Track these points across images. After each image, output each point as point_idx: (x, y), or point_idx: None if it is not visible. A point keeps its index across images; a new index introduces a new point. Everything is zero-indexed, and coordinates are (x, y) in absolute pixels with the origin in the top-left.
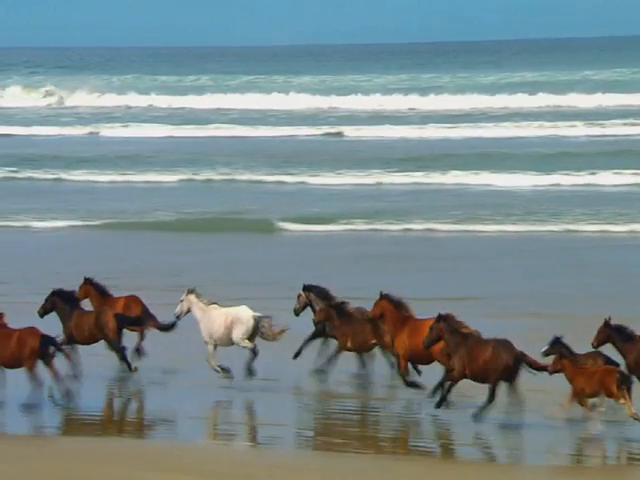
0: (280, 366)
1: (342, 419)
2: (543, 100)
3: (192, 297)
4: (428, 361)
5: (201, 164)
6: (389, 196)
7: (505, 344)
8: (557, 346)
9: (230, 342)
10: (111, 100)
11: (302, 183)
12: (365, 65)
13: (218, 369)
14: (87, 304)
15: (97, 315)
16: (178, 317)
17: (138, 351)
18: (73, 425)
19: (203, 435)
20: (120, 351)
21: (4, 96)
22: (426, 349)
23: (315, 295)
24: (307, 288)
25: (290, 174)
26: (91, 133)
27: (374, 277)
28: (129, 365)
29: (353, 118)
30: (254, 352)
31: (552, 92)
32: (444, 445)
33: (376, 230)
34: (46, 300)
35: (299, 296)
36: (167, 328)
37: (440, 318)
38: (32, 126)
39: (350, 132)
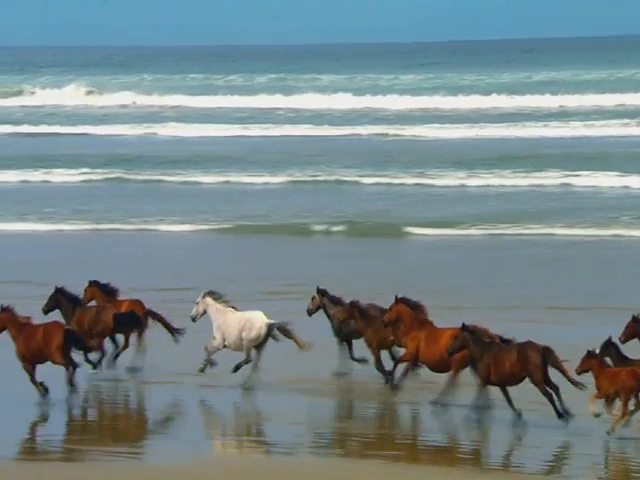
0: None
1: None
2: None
3: (208, 299)
4: (443, 369)
5: (297, 164)
6: (508, 198)
7: (529, 344)
8: (609, 348)
9: (242, 347)
10: (159, 100)
11: (418, 185)
12: (382, 63)
13: (207, 365)
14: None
15: (97, 311)
16: (194, 319)
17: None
18: None
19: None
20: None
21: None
22: (449, 356)
23: (328, 299)
24: (321, 292)
25: (401, 176)
26: (151, 133)
27: (578, 284)
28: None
29: (410, 117)
30: (247, 360)
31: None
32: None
33: (517, 234)
34: (50, 298)
35: (313, 298)
36: (175, 331)
37: (464, 328)
38: (98, 125)
39: (428, 132)
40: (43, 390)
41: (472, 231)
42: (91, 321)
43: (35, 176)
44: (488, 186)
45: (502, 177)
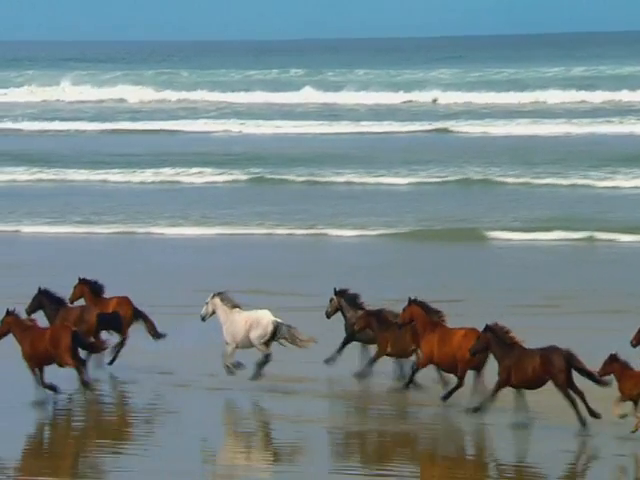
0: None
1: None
2: None
3: (217, 300)
4: (456, 369)
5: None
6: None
7: (552, 349)
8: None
9: (251, 344)
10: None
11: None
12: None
13: (232, 369)
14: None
15: (81, 311)
16: (203, 318)
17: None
18: None
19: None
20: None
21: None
22: (472, 356)
23: (346, 301)
24: (339, 293)
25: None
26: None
27: None
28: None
29: (472, 113)
30: (267, 358)
31: None
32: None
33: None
34: (33, 299)
35: (331, 300)
36: (158, 335)
37: (487, 329)
38: (169, 121)
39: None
40: (52, 390)
41: None
42: (75, 321)
43: (173, 176)
44: None
45: None
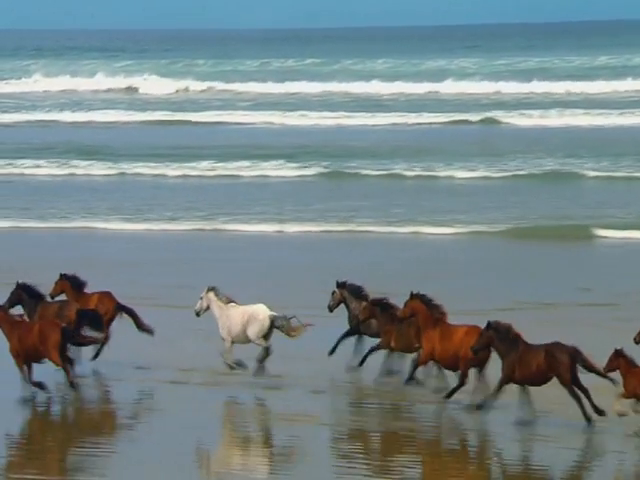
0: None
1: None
2: None
3: (211, 295)
4: (456, 367)
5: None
6: None
7: (557, 346)
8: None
9: (247, 339)
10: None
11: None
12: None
13: (233, 365)
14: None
15: (60, 307)
16: (197, 313)
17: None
18: None
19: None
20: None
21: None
22: (474, 354)
23: (349, 293)
24: (341, 285)
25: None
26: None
27: None
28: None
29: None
30: (267, 351)
31: None
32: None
33: None
34: (12, 293)
35: (333, 293)
36: (145, 329)
37: (490, 326)
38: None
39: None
40: (39, 387)
41: None
42: (54, 317)
43: (237, 170)
44: None
45: None
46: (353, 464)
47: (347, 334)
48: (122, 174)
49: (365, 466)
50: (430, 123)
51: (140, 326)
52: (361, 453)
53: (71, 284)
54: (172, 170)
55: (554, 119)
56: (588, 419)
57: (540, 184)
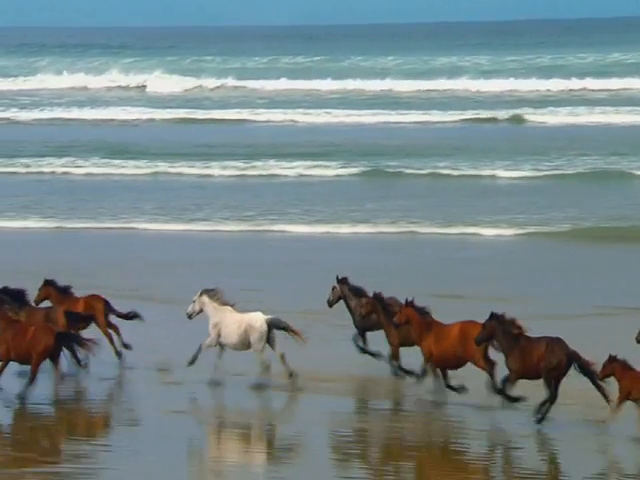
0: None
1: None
2: None
3: (204, 298)
4: (456, 365)
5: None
6: None
7: (559, 342)
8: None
9: (244, 347)
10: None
11: None
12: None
13: (193, 361)
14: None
15: (47, 312)
16: (190, 316)
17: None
18: None
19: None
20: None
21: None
22: (477, 345)
23: (349, 289)
24: (341, 281)
25: None
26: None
27: None
28: (79, 361)
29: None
30: (282, 357)
31: None
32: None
33: None
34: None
35: (333, 288)
36: (128, 317)
37: (493, 317)
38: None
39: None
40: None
41: None
42: (42, 321)
43: (270, 169)
44: None
45: None
46: (353, 464)
47: (358, 335)
48: (156, 173)
49: (365, 466)
50: (455, 121)
51: (122, 316)
52: (361, 453)
53: (55, 289)
54: (212, 170)
55: (585, 117)
56: (541, 419)
57: (590, 183)
